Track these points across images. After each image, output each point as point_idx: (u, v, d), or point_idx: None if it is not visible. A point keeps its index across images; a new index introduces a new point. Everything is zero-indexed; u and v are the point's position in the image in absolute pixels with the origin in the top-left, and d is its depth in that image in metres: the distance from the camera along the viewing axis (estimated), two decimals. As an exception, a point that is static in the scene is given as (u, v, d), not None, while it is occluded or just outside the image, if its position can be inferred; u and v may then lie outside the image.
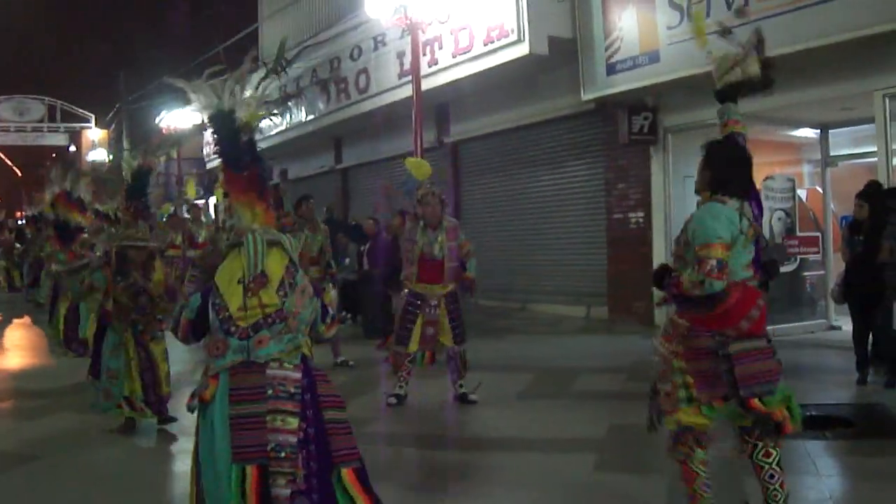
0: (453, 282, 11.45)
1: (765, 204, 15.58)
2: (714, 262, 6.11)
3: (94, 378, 10.94)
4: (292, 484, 5.20)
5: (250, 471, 5.16)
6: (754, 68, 7.00)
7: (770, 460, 6.44)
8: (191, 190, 22.47)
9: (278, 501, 5.17)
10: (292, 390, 5.35)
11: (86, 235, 14.70)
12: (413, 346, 11.24)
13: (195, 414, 5.51)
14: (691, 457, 6.43)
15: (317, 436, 5.42)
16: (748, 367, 6.22)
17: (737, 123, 6.95)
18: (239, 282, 5.46)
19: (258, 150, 5.89)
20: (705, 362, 6.35)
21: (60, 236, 13.48)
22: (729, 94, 7.02)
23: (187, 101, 5.97)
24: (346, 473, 5.46)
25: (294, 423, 5.29)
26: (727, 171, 6.58)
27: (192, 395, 5.51)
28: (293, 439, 5.26)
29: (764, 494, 6.47)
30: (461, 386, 11.48)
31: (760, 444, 6.42)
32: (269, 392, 5.28)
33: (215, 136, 5.91)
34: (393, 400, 11.41)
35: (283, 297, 5.46)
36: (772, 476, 6.44)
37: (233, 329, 5.39)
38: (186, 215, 23.85)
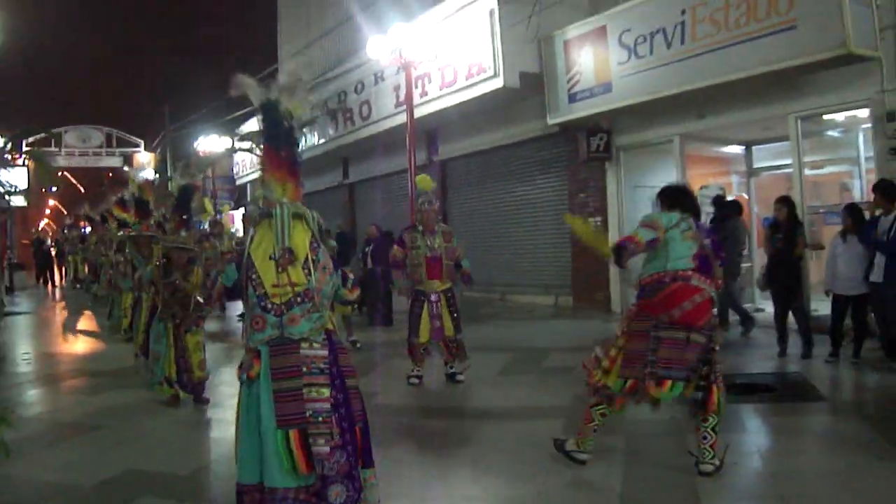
0: (450, 279, 11.50)
1: (701, 208, 15.70)
2: (648, 221, 6.73)
3: (144, 357, 11.03)
4: (330, 441, 5.31)
5: (293, 434, 5.25)
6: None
7: (706, 425, 6.59)
8: (208, 207, 22.32)
9: (320, 456, 5.26)
10: (322, 366, 5.43)
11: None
12: (424, 337, 11.24)
13: (240, 389, 5.58)
14: (595, 406, 6.86)
15: (344, 400, 5.51)
16: (668, 351, 6.40)
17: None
18: (270, 257, 5.48)
19: (296, 136, 5.88)
20: (638, 343, 6.49)
21: (140, 210, 13.46)
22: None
23: (249, 94, 5.90)
24: (356, 431, 5.53)
25: (326, 392, 5.39)
26: (672, 198, 6.95)
27: (241, 368, 5.57)
28: (327, 406, 5.37)
29: (699, 450, 6.61)
30: (451, 367, 11.50)
31: (700, 413, 6.55)
32: (304, 370, 5.37)
33: (263, 119, 5.88)
34: (415, 380, 11.47)
35: (308, 276, 5.47)
36: (704, 437, 6.61)
37: (269, 306, 5.44)
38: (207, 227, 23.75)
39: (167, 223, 11.57)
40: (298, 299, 5.43)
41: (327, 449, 5.29)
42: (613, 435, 7.69)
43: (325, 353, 5.47)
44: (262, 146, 5.84)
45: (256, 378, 5.42)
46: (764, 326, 13.88)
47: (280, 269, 5.44)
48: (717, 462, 6.66)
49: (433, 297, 11.23)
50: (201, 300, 10.50)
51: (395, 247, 11.72)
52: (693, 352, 6.50)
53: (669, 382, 6.46)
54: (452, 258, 11.48)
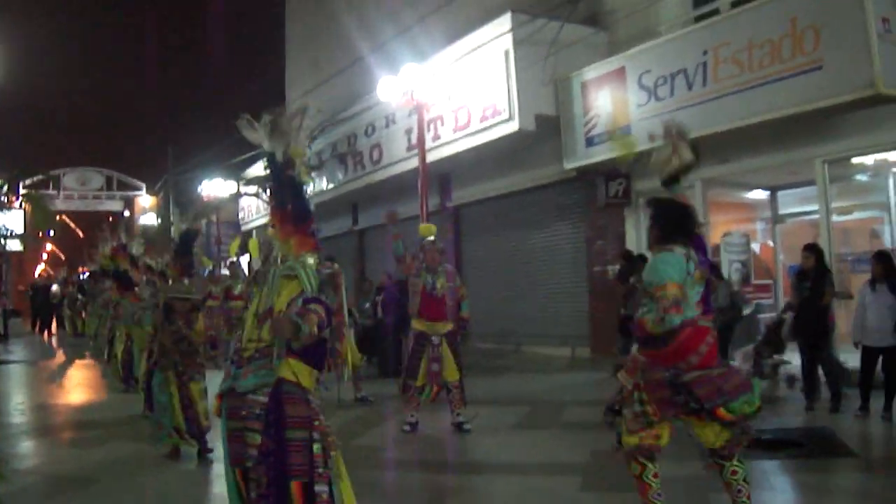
0: (452, 321, 11.58)
1: (724, 256, 15.79)
2: (670, 300, 6.17)
3: (150, 412, 11.01)
4: (258, 488, 5.39)
5: (237, 472, 5.56)
6: (687, 154, 7.01)
7: (737, 477, 6.49)
8: (233, 249, 22.45)
9: (250, 501, 5.47)
10: (258, 412, 5.46)
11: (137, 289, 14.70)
12: (420, 380, 11.31)
13: None
14: (644, 470, 6.49)
15: (277, 451, 5.43)
16: (705, 387, 6.28)
17: (682, 197, 7.00)
18: (255, 314, 5.59)
19: (299, 187, 5.89)
20: (663, 391, 6.39)
21: (121, 284, 13.49)
22: (672, 180, 7.01)
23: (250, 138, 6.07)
24: (294, 486, 5.40)
25: (257, 438, 5.42)
26: (671, 224, 6.69)
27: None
28: (255, 452, 5.42)
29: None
30: (458, 415, 11.50)
31: (728, 464, 6.48)
32: (244, 413, 5.48)
33: (266, 172, 5.98)
34: (407, 427, 11.50)
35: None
36: (739, 491, 6.49)
37: (235, 358, 5.61)
38: (225, 271, 23.81)
39: (168, 270, 11.60)
40: (257, 355, 5.53)
41: (254, 495, 5.43)
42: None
43: (264, 400, 5.47)
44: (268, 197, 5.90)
45: (221, 415, 5.70)
46: (791, 379, 13.85)
47: (259, 325, 5.54)
48: None
49: (435, 340, 11.34)
50: (200, 349, 10.50)
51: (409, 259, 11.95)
52: (724, 379, 6.46)
53: (723, 409, 6.41)
54: (455, 299, 11.64)
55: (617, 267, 18.35)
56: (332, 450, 5.55)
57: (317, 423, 5.59)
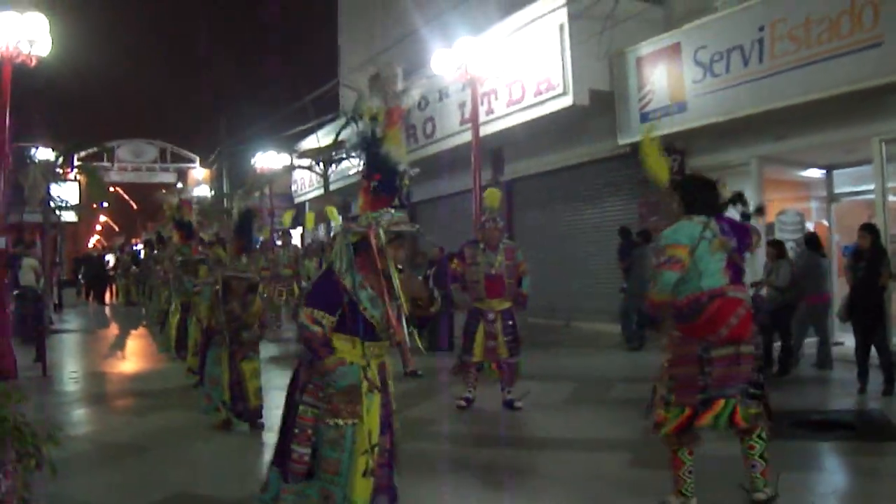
0: (511, 299, 11.47)
1: (777, 235, 15.64)
2: (666, 257, 6.46)
3: (201, 384, 11.11)
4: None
5: None
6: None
7: (753, 452, 6.59)
8: (287, 219, 22.61)
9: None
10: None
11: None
12: (477, 356, 11.26)
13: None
14: (680, 448, 6.63)
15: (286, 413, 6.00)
16: (723, 370, 6.42)
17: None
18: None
19: (386, 161, 5.94)
20: (687, 368, 6.45)
21: (184, 234, 13.58)
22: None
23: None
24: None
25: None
26: (691, 194, 6.82)
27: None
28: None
29: (749, 480, 6.63)
30: (509, 392, 11.48)
31: (746, 438, 6.61)
32: None
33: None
34: (462, 403, 11.47)
35: None
36: (753, 466, 6.59)
37: None
38: (278, 242, 23.96)
39: (225, 242, 11.67)
40: None
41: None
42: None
43: None
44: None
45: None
46: (843, 361, 13.75)
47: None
48: (771, 492, 6.60)
49: (490, 316, 11.24)
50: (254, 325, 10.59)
51: (455, 259, 11.80)
52: (747, 363, 6.51)
53: (722, 402, 6.46)
54: (515, 276, 11.50)
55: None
56: (334, 418, 5.69)
57: (310, 387, 5.79)
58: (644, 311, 15.82)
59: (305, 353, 5.82)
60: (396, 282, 5.82)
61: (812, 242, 14.54)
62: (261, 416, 10.50)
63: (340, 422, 5.65)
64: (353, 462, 5.62)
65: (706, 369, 6.47)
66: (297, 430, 5.75)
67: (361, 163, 6.04)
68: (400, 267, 5.87)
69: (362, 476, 5.64)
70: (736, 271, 6.62)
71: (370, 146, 5.94)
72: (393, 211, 5.87)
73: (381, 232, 5.74)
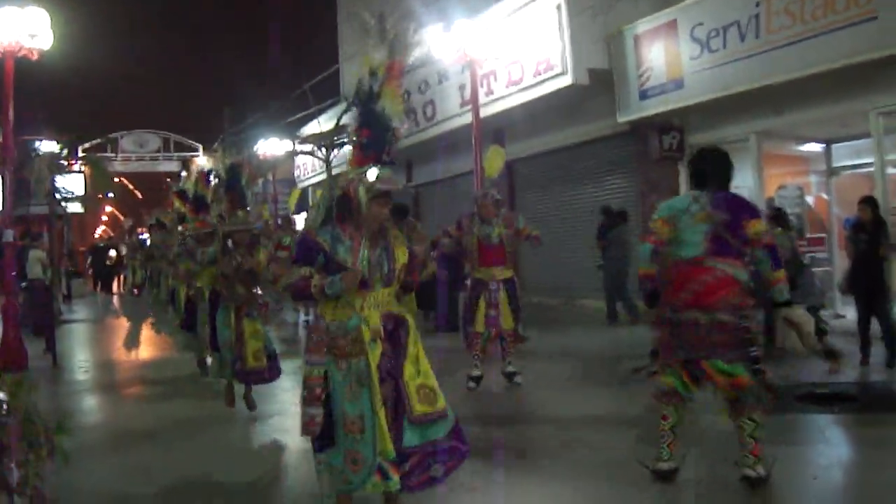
0: (512, 267, 11.51)
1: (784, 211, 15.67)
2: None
3: (215, 350, 11.04)
4: None
5: None
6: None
7: (743, 432, 6.60)
8: (292, 201, 22.55)
9: None
10: None
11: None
12: (479, 327, 11.24)
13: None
14: (667, 406, 6.83)
15: None
16: (692, 332, 6.58)
17: None
18: None
19: (379, 118, 5.93)
20: (664, 330, 6.68)
21: (196, 206, 13.57)
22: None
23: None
24: None
25: None
26: (696, 173, 7.03)
27: None
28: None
29: (740, 456, 6.68)
30: (509, 364, 11.51)
31: (739, 417, 6.63)
32: None
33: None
34: (472, 384, 11.35)
35: None
36: (743, 444, 6.58)
37: None
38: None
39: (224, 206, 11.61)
40: None
41: None
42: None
43: None
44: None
45: None
46: (845, 333, 13.77)
47: None
48: (761, 471, 6.57)
49: (492, 286, 11.19)
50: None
51: (452, 227, 11.80)
52: (726, 333, 6.53)
53: (700, 363, 6.60)
54: (515, 244, 11.59)
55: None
56: (345, 359, 5.71)
57: (312, 345, 5.83)
58: (622, 287, 17.41)
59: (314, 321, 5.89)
60: (391, 238, 5.92)
61: (779, 218, 14.64)
62: (271, 376, 10.55)
63: (353, 360, 5.67)
64: (375, 415, 5.58)
65: (674, 331, 6.64)
66: (305, 393, 5.78)
67: (356, 115, 6.02)
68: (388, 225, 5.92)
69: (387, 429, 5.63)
70: (722, 244, 6.61)
71: (366, 101, 5.93)
72: (379, 167, 5.81)
73: (362, 188, 5.71)
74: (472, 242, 11.40)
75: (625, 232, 18.03)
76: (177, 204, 16.62)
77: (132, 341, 19.68)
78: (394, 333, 5.87)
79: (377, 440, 5.51)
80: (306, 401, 5.73)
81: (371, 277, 5.77)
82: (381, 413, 5.56)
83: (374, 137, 5.90)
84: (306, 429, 5.71)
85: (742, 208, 6.74)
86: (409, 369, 5.80)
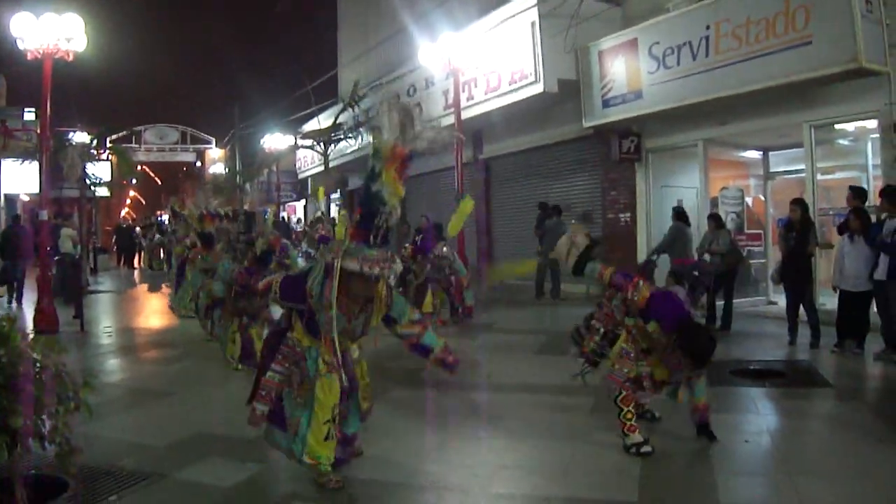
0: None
1: (721, 208, 15.91)
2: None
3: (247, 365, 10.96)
4: None
5: None
6: (582, 240, 7.88)
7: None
8: (320, 195, 22.24)
9: None
10: None
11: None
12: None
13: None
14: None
15: None
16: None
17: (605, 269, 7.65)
18: None
19: (373, 199, 5.83)
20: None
21: (205, 244, 13.55)
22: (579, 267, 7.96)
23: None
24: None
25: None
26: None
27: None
28: None
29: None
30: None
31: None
32: None
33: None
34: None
35: None
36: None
37: None
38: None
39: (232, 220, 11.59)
40: None
41: None
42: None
43: None
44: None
45: None
46: (775, 318, 13.93)
47: None
48: (630, 443, 6.88)
49: None
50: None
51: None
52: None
53: None
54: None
55: (628, 215, 18.57)
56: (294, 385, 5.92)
57: (279, 357, 5.96)
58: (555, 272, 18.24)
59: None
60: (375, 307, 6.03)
61: (680, 215, 14.96)
62: None
63: (300, 399, 5.88)
64: (310, 429, 5.79)
65: None
66: (262, 392, 5.91)
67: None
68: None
69: (324, 440, 5.82)
70: None
71: (367, 179, 5.83)
72: (366, 248, 5.72)
73: (338, 265, 5.64)
74: None
75: (557, 224, 18.21)
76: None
77: (149, 310, 19.64)
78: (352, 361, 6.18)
79: (306, 448, 5.85)
80: (260, 398, 5.95)
81: (342, 343, 5.83)
82: (324, 429, 5.84)
83: (365, 217, 5.81)
84: (253, 418, 6.02)
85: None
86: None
